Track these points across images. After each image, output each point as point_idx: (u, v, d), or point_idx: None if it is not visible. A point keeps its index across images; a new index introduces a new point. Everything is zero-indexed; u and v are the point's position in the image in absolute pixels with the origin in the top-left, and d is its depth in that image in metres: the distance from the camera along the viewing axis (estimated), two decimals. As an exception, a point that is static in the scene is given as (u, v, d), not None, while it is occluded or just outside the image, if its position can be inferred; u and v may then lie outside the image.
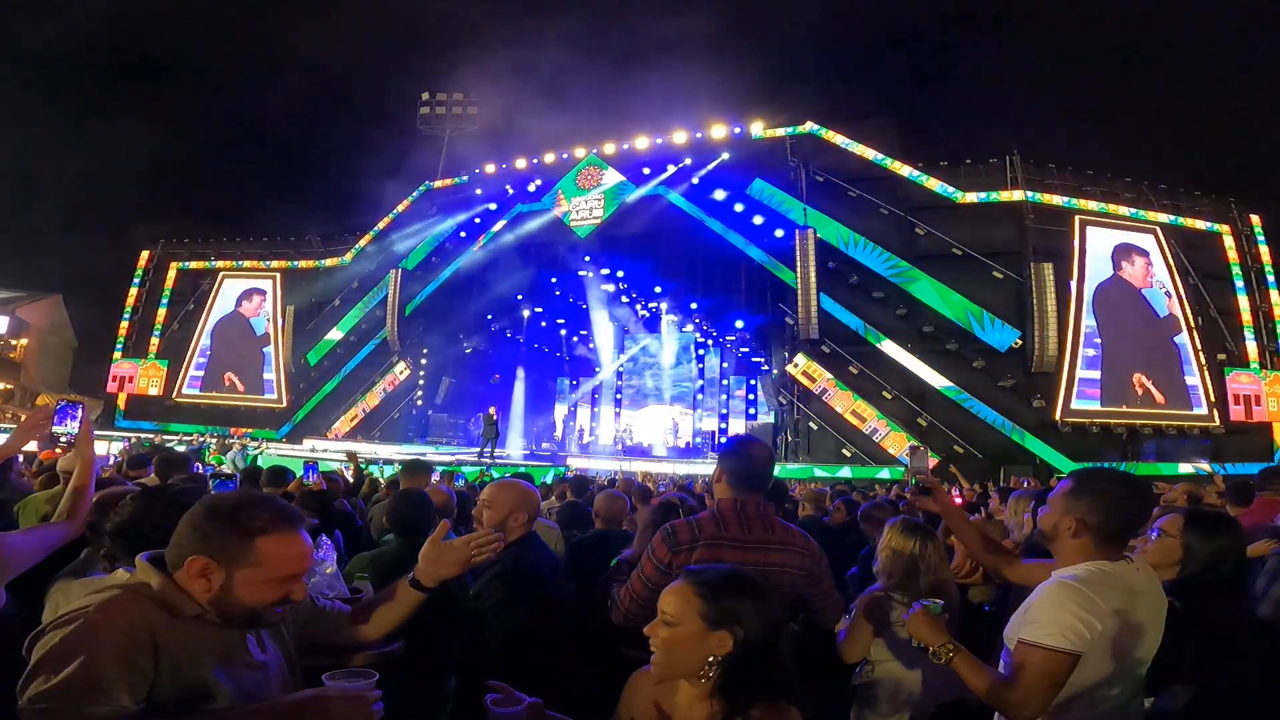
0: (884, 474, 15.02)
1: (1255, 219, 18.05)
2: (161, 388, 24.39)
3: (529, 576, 2.42)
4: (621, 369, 25.80)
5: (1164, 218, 17.68)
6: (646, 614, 2.23)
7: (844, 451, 16.16)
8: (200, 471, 4.80)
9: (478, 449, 17.01)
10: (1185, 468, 15.20)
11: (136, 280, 25.61)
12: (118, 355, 25.06)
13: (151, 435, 20.11)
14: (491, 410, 17.22)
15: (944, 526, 2.73)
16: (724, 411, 23.79)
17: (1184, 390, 16.65)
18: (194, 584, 1.31)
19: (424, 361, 22.92)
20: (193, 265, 25.63)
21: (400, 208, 23.45)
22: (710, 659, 1.34)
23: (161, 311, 25.16)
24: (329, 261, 24.32)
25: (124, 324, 25.34)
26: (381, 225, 23.66)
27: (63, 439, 2.19)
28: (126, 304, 25.49)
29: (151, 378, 24.51)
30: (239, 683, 1.33)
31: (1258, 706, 1.93)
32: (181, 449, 11.70)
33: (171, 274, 25.55)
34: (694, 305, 20.21)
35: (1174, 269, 17.23)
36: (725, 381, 23.95)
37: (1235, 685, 1.99)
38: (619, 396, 25.69)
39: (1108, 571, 1.69)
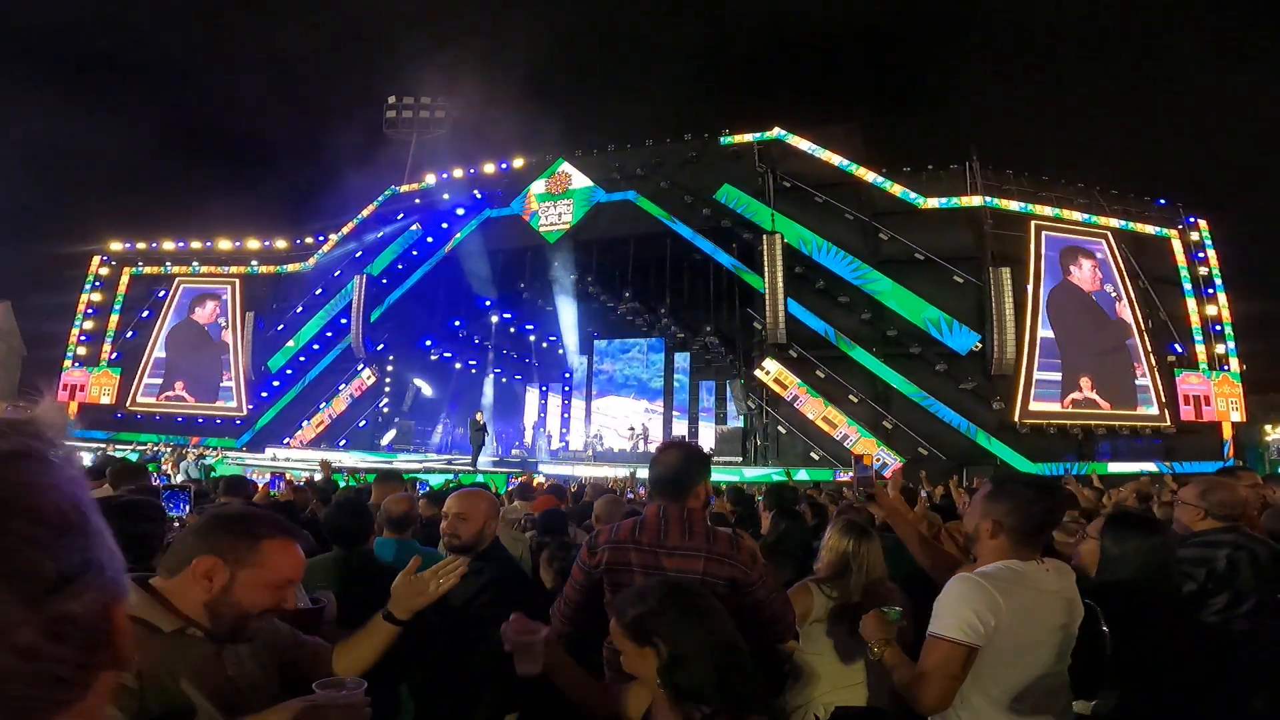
0: (839, 476, 15.22)
1: (1203, 224, 18.74)
2: (114, 396, 23.60)
3: (518, 578, 2.45)
4: (591, 374, 25.72)
5: (1115, 223, 18.24)
6: (582, 618, 2.25)
7: (812, 455, 16.33)
8: (154, 483, 4.66)
9: (469, 455, 16.86)
10: (1117, 466, 15.69)
11: (88, 286, 24.77)
12: (68, 363, 24.19)
13: (103, 444, 19.44)
14: (479, 416, 17.01)
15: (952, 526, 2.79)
16: (693, 415, 23.86)
17: (1132, 392, 17.16)
18: (195, 586, 1.36)
19: (390, 368, 22.58)
20: (147, 271, 24.86)
21: (365, 212, 23.09)
22: (657, 673, 1.34)
23: (114, 318, 24.34)
24: (291, 267, 23.83)
25: (74, 331, 24.48)
26: (346, 230, 23.26)
27: None
28: (78, 310, 24.64)
29: (104, 386, 23.71)
30: (220, 698, 1.35)
31: (1186, 707, 2.00)
32: (135, 459, 11.34)
33: (125, 280, 24.75)
34: (663, 310, 20.25)
35: (1124, 273, 17.79)
36: (694, 386, 24.03)
37: (1162, 687, 2.04)
38: (588, 402, 25.60)
39: (1015, 570, 1.76)
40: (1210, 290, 18.17)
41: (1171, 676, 2.06)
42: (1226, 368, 17.61)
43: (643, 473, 16.08)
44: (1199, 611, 2.39)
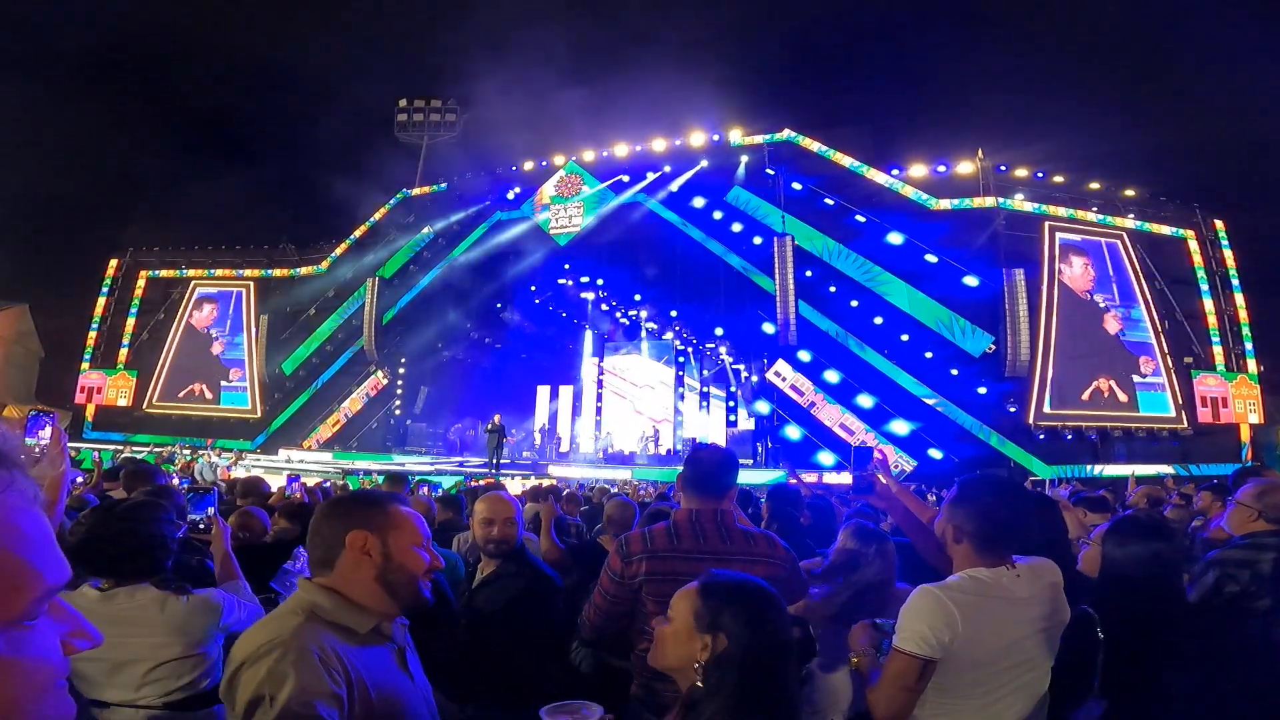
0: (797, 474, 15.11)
1: (1219, 224, 18.51)
2: (131, 398, 23.88)
3: (548, 581, 2.45)
4: (601, 377, 25.72)
5: (1130, 223, 18.07)
6: (612, 626, 2.22)
7: (824, 458, 16.25)
8: (170, 484, 4.71)
9: (481, 457, 16.91)
10: (1133, 469, 15.48)
11: (105, 289, 25.07)
12: (85, 365, 24.49)
13: (120, 446, 19.65)
14: (496, 418, 17.04)
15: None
16: (705, 418, 23.80)
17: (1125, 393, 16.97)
18: (360, 566, 1.34)
19: (401, 371, 22.71)
20: (163, 274, 25.15)
21: (377, 215, 23.24)
22: (695, 664, 1.31)
23: (130, 321, 24.64)
24: (304, 270, 24.02)
25: (92, 334, 24.78)
26: (358, 233, 23.42)
27: (35, 451, 2.11)
28: (95, 313, 24.93)
29: (120, 388, 23.98)
30: (411, 704, 1.35)
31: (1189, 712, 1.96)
32: (151, 460, 11.45)
33: (141, 282, 25.04)
34: (674, 313, 20.25)
35: (1140, 273, 17.61)
36: (705, 389, 23.97)
37: (1156, 695, 2.01)
38: (599, 404, 25.60)
39: (979, 579, 1.74)
40: (1227, 291, 17.96)
41: (1167, 684, 2.03)
42: (1244, 369, 17.39)
43: (653, 476, 16.10)
44: (1239, 616, 2.35)
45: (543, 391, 27.11)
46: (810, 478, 14.12)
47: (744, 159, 18.56)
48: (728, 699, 1.27)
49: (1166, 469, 15.25)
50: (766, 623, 1.33)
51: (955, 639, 1.65)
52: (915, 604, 1.71)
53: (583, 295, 22.10)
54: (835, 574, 2.44)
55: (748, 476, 15.03)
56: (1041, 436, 15.99)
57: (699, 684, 1.30)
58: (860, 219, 17.19)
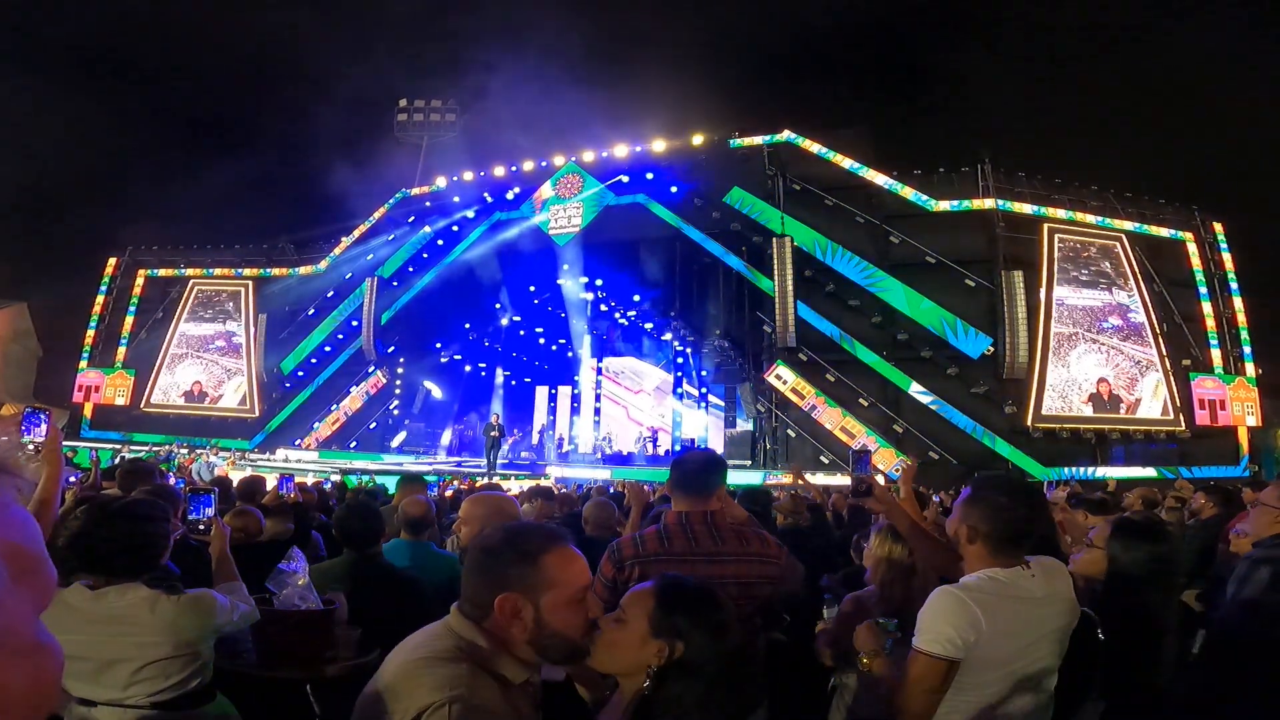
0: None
1: (1218, 226, 18.50)
2: (129, 397, 23.83)
3: None
4: (600, 378, 25.72)
5: (1129, 225, 18.06)
6: None
7: (822, 459, 16.25)
8: (168, 483, 4.69)
9: (480, 458, 16.88)
10: (1105, 471, 15.52)
11: (103, 288, 25.01)
12: (84, 364, 24.44)
13: (118, 445, 19.62)
14: (495, 419, 17.02)
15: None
16: (703, 419, 23.79)
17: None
18: (512, 627, 1.26)
19: (400, 371, 22.69)
20: (161, 273, 25.11)
21: (376, 215, 23.21)
22: (648, 668, 1.29)
23: (129, 320, 24.59)
24: (303, 270, 23.99)
25: (90, 332, 24.72)
26: (357, 233, 23.40)
27: (30, 448, 2.11)
28: (93, 312, 24.88)
29: (119, 387, 23.94)
30: None
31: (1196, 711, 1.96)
32: (148, 459, 11.41)
33: (139, 281, 25.00)
34: (672, 313, 20.21)
35: (1139, 276, 17.61)
36: (704, 390, 23.97)
37: (1158, 695, 2.00)
38: (598, 405, 25.59)
39: (997, 579, 1.73)
40: (1226, 294, 17.96)
41: (1170, 684, 2.03)
42: (1242, 372, 17.38)
43: (651, 476, 16.07)
44: (1260, 616, 2.33)
45: (541, 392, 27.12)
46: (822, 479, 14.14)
47: (743, 159, 18.54)
48: (687, 707, 1.25)
49: (1157, 472, 15.28)
50: (724, 630, 1.32)
51: (979, 639, 1.64)
52: (936, 605, 1.69)
53: (582, 296, 22.08)
54: (898, 590, 2.42)
55: (747, 478, 15.04)
56: (1038, 438, 15.99)
57: (646, 690, 1.28)
58: (859, 220, 17.20)
